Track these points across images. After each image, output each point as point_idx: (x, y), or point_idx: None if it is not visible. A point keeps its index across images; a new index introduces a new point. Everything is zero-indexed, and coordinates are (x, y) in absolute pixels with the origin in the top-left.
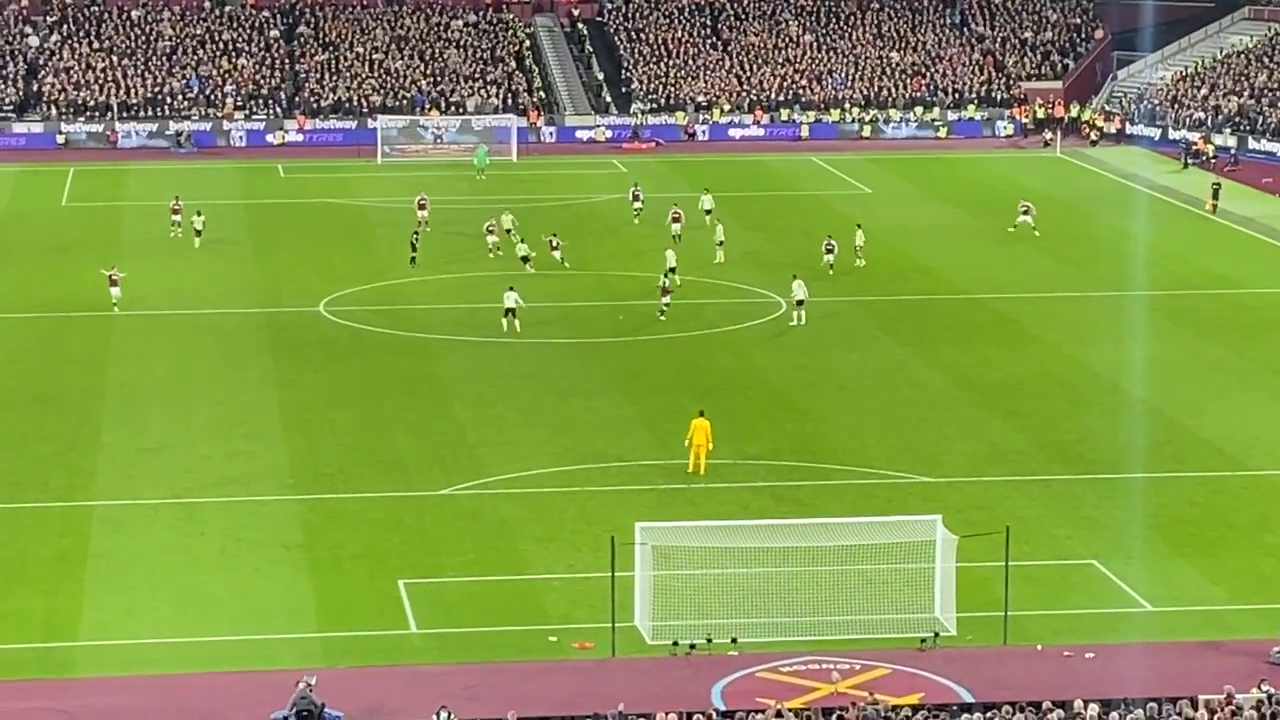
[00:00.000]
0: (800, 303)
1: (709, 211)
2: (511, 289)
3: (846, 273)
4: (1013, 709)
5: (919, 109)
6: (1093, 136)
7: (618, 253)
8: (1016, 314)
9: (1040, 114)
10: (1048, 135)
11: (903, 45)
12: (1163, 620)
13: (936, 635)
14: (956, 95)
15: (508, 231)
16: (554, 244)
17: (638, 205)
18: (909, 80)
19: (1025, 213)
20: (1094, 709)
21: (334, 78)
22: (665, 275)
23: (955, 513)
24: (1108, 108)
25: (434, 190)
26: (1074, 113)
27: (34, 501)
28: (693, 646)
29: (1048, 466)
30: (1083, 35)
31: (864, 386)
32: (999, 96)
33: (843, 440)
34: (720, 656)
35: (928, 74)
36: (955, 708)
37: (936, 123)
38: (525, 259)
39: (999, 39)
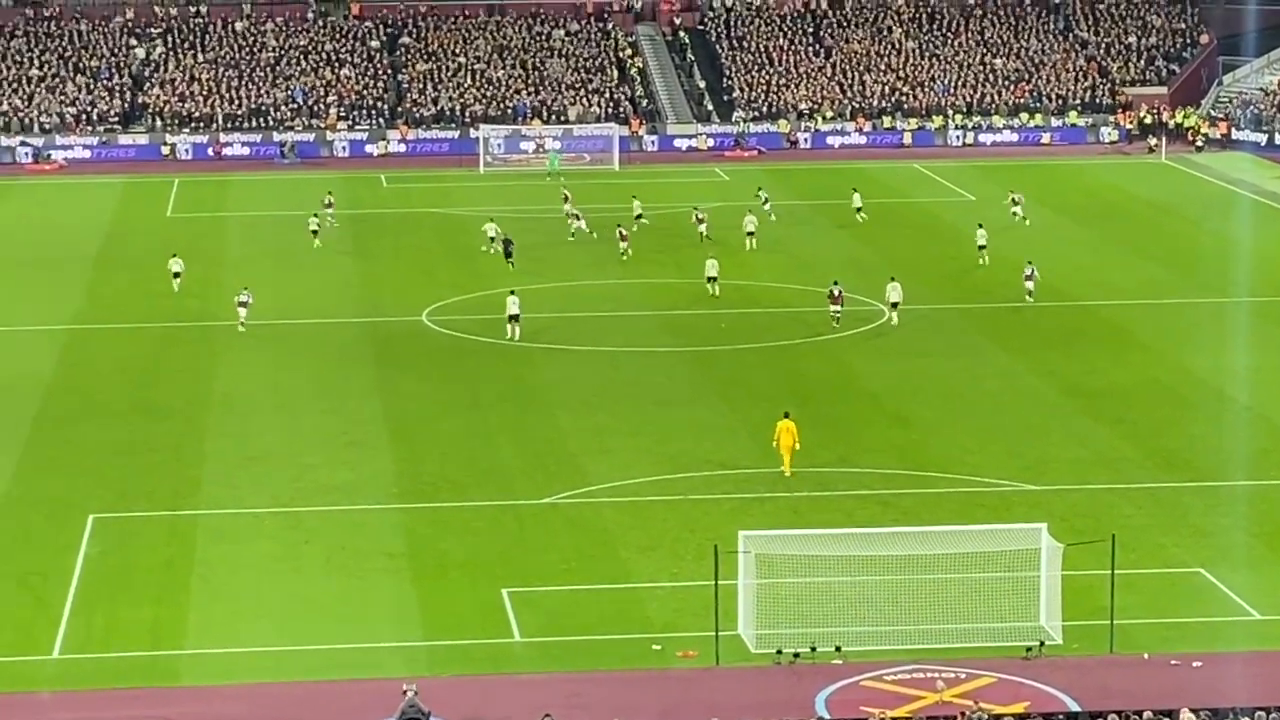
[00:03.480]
0: (895, 305)
1: (859, 209)
2: (513, 293)
3: (956, 279)
4: (1119, 718)
5: (1023, 115)
6: (1198, 142)
7: (723, 262)
8: (1122, 320)
9: (1146, 120)
10: (1152, 141)
11: (1006, 51)
12: (1270, 628)
13: (1042, 644)
14: (1060, 101)
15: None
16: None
17: (766, 207)
18: (1012, 86)
19: (1016, 204)
20: (1201, 717)
21: (436, 88)
22: (835, 283)
23: (1060, 521)
24: (1213, 113)
25: (536, 200)
26: (1179, 118)
27: (141, 510)
28: (796, 655)
29: (1154, 474)
30: (1188, 40)
31: (968, 394)
32: (1103, 102)
33: (947, 448)
34: (824, 665)
35: (1031, 80)
36: (1061, 717)
37: (1040, 129)
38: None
39: (1103, 44)
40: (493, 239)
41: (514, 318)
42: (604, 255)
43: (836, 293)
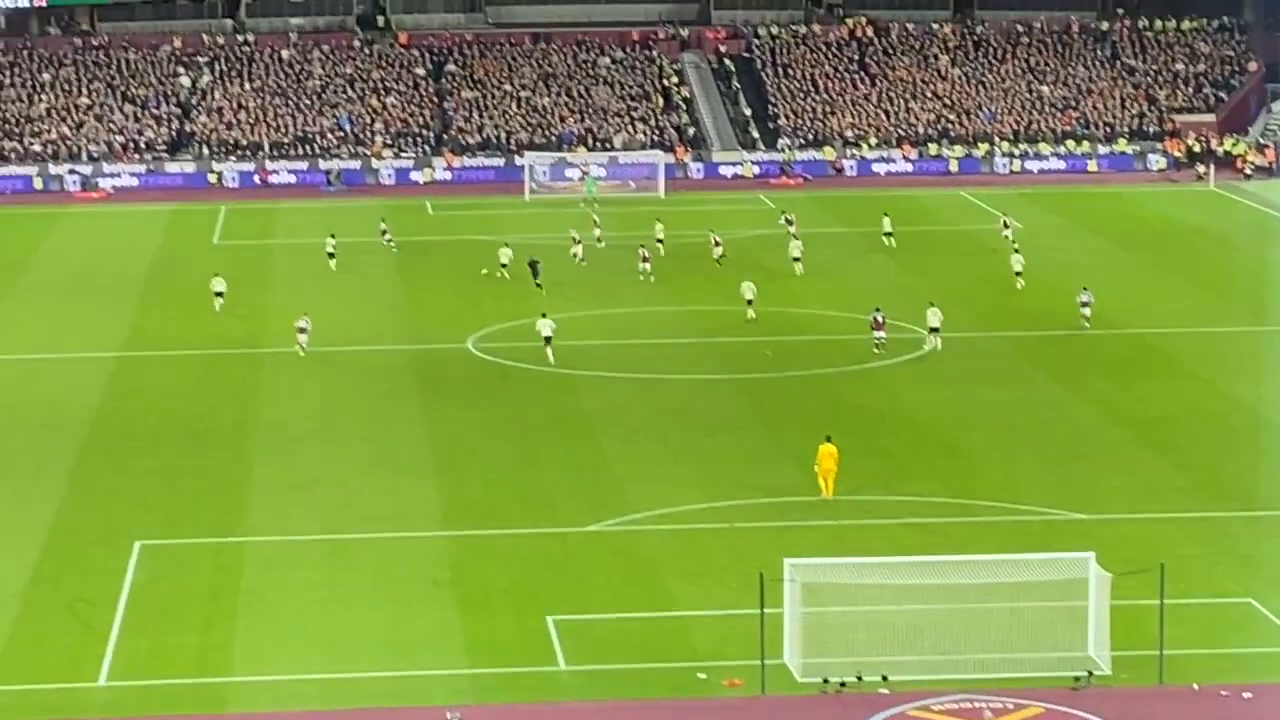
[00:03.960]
0: (935, 329)
1: (889, 234)
2: (544, 315)
3: (1002, 306)
4: None
5: (1070, 143)
6: (1246, 170)
7: (768, 288)
8: (1171, 349)
9: (1194, 147)
10: (1200, 169)
11: (1053, 79)
12: None
13: (1090, 674)
14: (1108, 129)
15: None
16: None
17: (792, 229)
18: (1059, 114)
19: (1005, 226)
20: None
21: (482, 115)
22: (877, 309)
23: (1109, 550)
24: (1261, 140)
25: (581, 227)
26: (1227, 146)
27: (187, 537)
28: (843, 684)
29: (1203, 503)
30: (1236, 68)
31: (1016, 422)
32: (1151, 130)
33: (994, 477)
34: (870, 694)
35: (1078, 107)
36: None
37: (1087, 157)
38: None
39: (1150, 72)
40: (505, 265)
41: (548, 339)
42: (649, 282)
43: (879, 319)
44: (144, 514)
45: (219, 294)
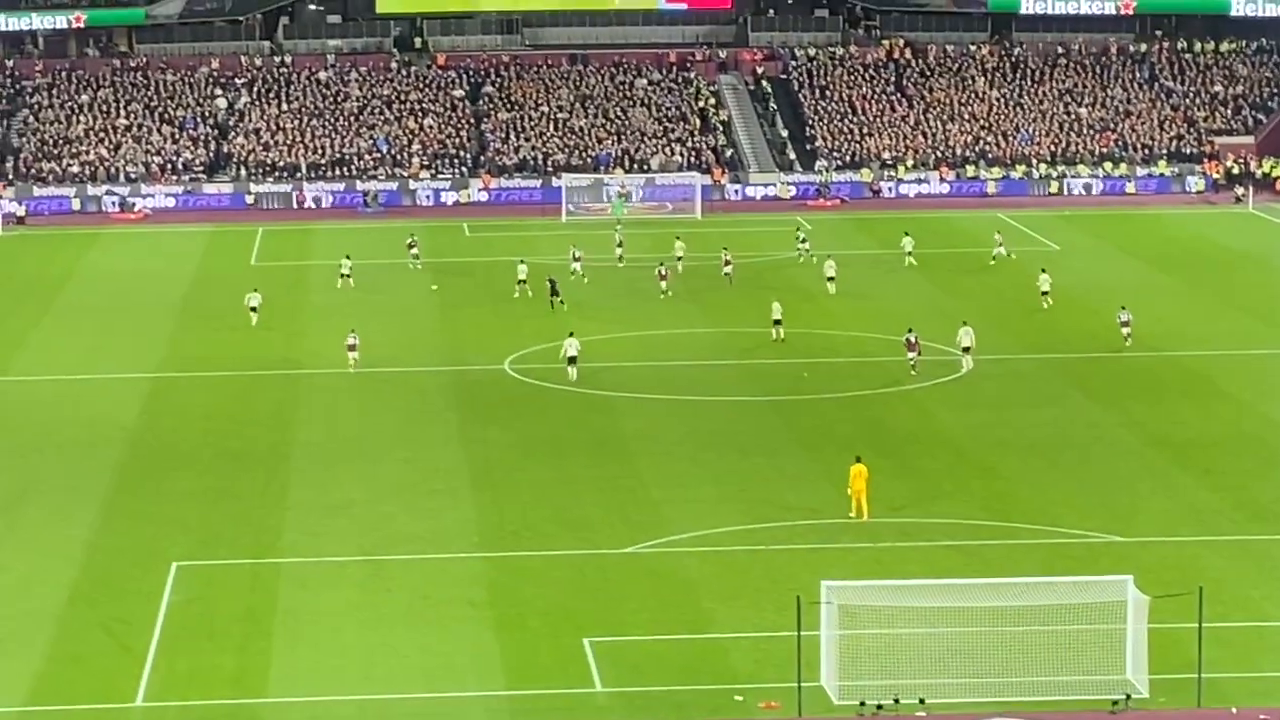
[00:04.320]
0: (967, 349)
1: (909, 253)
2: (571, 335)
3: (1039, 329)
4: None
5: (1108, 164)
6: None
7: (802, 309)
8: (1209, 371)
9: (1233, 169)
10: (1239, 191)
11: (1091, 100)
12: None
13: (1129, 697)
14: (1146, 150)
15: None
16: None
17: (804, 245)
18: (1097, 136)
19: (1000, 244)
20: None
21: (519, 137)
22: (910, 331)
23: (1147, 573)
24: None
25: (589, 247)
26: (1266, 168)
27: (223, 558)
28: (880, 707)
29: (1242, 526)
30: (1275, 89)
31: (1053, 445)
32: (1189, 151)
33: (1032, 499)
34: (907, 717)
35: (1117, 129)
36: None
37: (1125, 178)
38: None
39: (1189, 93)
40: (522, 281)
41: (572, 359)
42: (681, 303)
43: (913, 340)
44: (181, 535)
45: (254, 309)
